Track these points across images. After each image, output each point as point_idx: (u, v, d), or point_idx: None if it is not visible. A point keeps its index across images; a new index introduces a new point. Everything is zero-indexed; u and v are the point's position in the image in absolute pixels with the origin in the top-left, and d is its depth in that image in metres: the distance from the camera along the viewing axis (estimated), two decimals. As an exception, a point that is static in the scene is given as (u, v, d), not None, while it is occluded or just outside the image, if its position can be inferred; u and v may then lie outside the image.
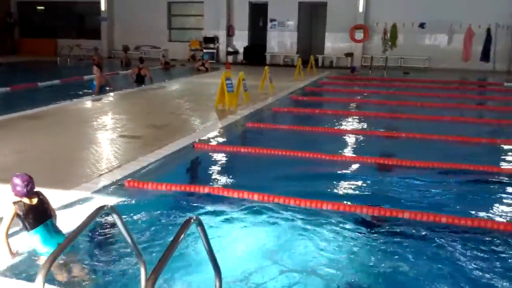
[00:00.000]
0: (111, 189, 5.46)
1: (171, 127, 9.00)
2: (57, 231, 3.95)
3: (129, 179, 5.76)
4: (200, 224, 3.00)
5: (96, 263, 3.97)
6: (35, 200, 3.92)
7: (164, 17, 26.09)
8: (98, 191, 5.35)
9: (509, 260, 4.17)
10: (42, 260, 3.79)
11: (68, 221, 4.43)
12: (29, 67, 21.69)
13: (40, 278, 2.52)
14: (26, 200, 3.87)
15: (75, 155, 6.83)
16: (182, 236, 2.78)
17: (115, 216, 3.11)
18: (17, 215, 3.84)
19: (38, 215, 3.88)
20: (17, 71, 20.55)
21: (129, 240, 3.24)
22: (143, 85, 14.72)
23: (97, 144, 7.55)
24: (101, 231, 4.51)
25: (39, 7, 28.58)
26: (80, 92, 13.12)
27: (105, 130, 8.47)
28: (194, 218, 2.95)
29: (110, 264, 3.93)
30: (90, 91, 13.14)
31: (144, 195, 5.41)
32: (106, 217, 4.57)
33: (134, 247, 3.30)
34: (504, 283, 3.78)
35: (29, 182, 3.86)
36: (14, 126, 8.58)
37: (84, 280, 3.78)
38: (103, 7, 26.28)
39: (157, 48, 25.74)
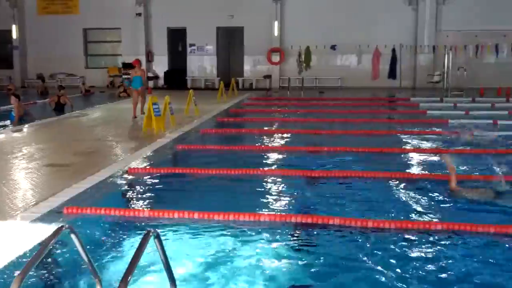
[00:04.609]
0: (50, 217, 5.45)
1: (100, 153, 8.99)
2: None
3: (67, 205, 5.78)
4: (157, 237, 3.22)
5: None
6: None
7: (80, 44, 25.63)
8: (37, 220, 5.32)
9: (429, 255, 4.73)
10: None
11: (11, 250, 4.44)
12: None
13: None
14: None
15: (5, 186, 6.68)
16: (143, 248, 3.00)
17: (73, 236, 3.26)
18: None
19: None
20: None
21: (86, 259, 3.40)
22: (66, 113, 14.50)
23: (26, 174, 7.41)
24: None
25: None
26: (-2, 123, 12.68)
27: (32, 160, 8.30)
28: (153, 231, 3.17)
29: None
30: (9, 122, 12.71)
31: (85, 220, 5.46)
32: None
33: (90, 266, 3.44)
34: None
35: None
36: None
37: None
38: (14, 35, 25.32)
39: (73, 75, 25.18)
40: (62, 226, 3.14)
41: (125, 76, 24.01)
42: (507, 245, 4.93)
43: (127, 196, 6.84)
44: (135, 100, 13.53)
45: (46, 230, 5.06)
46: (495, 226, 5.18)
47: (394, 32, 22.70)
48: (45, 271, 4.28)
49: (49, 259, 4.48)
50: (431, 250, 4.78)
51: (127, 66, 24.60)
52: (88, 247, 4.68)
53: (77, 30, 25.42)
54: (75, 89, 21.45)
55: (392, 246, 4.83)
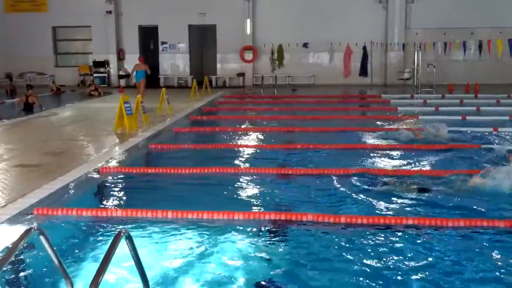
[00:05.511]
0: (19, 219, 5.35)
1: (71, 153, 8.84)
2: None
3: (37, 207, 5.67)
4: (129, 237, 3.20)
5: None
6: None
7: (50, 42, 25.14)
8: (5, 222, 5.21)
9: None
10: None
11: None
12: None
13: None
14: None
15: (-28, 188, 6.53)
16: (114, 249, 2.97)
17: (42, 237, 3.21)
18: None
19: None
20: None
21: (56, 261, 3.35)
22: (35, 113, 14.23)
23: (-5, 175, 7.25)
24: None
25: None
26: (-37, 124, 12.32)
27: (1, 161, 8.10)
28: (124, 231, 3.14)
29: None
30: (-25, 122, 12.41)
31: (55, 222, 5.37)
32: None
33: (61, 267, 3.40)
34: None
35: None
36: None
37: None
38: (-20, 33, 24.70)
39: (43, 74, 24.69)
40: (30, 228, 3.09)
41: (96, 75, 23.78)
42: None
43: (99, 196, 6.76)
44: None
45: (15, 232, 4.96)
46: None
47: (365, 30, 22.98)
48: (14, 275, 4.19)
49: (19, 262, 4.39)
50: (402, 244, 4.87)
51: (98, 64, 24.35)
52: (59, 248, 4.63)
53: (46, 28, 24.90)
54: (45, 88, 21.05)
55: (365, 241, 4.90)
